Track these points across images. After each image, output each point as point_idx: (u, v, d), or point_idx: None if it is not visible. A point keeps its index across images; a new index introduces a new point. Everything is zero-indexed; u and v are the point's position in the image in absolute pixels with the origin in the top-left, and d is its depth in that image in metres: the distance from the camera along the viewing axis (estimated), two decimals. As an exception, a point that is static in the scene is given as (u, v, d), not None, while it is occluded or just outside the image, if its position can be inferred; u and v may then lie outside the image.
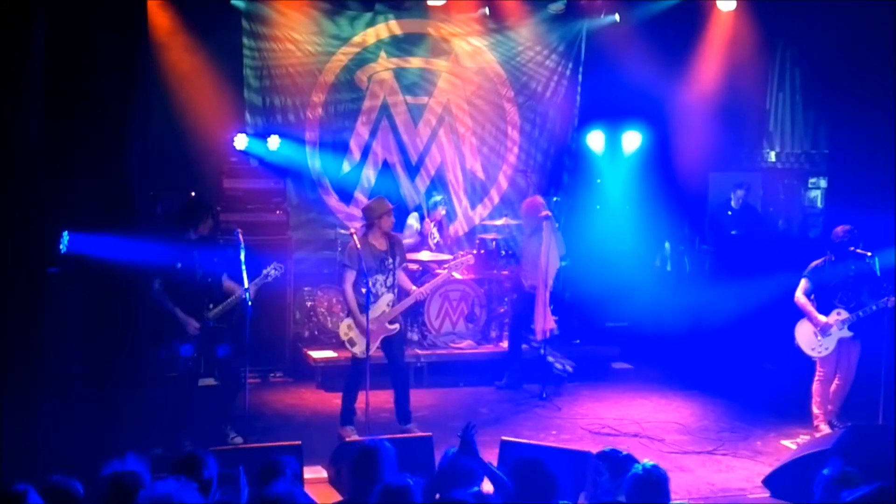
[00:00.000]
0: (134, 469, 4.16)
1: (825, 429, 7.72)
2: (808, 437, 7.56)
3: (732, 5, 10.38)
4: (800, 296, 7.79)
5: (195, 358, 7.23)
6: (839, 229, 7.82)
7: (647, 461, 4.51)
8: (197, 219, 7.28)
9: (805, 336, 7.80)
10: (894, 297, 7.49)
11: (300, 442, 6.02)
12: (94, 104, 7.31)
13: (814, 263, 7.85)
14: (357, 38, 10.56)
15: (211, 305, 7.14)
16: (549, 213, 8.96)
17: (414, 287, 7.75)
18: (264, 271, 7.27)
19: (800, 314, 7.79)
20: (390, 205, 7.68)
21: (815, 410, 7.85)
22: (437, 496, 4.47)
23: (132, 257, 7.18)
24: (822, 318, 7.70)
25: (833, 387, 7.83)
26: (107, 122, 7.41)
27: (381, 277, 7.49)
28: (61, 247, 7.03)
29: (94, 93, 7.29)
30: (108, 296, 7.41)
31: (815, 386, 7.87)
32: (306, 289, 9.92)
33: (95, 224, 7.13)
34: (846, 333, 7.73)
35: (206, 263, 7.16)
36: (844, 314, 7.69)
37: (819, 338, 7.74)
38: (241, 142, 9.87)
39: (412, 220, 10.12)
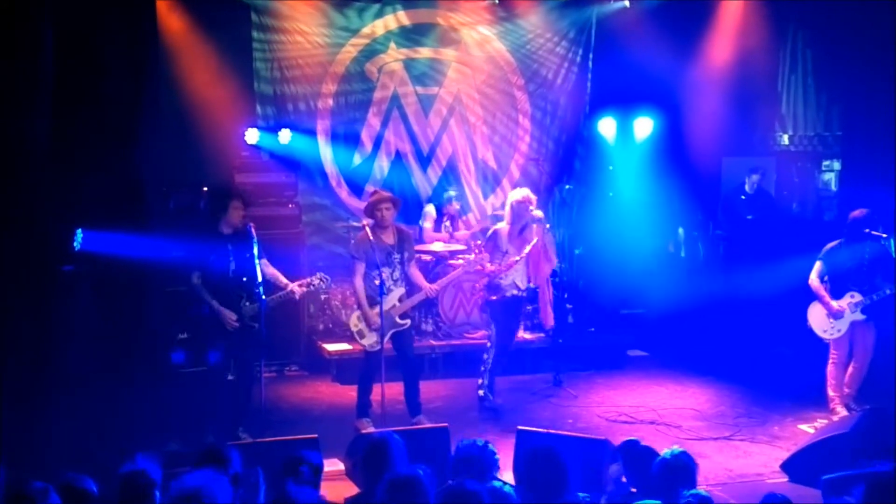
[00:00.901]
0: (144, 468, 4.17)
1: (841, 411, 7.70)
2: (825, 421, 7.52)
3: (743, -12, 10.32)
4: (814, 278, 7.75)
5: (223, 359, 7.19)
6: (856, 212, 7.77)
7: (675, 447, 4.51)
8: (223, 208, 7.10)
9: (817, 318, 7.78)
10: None
11: (317, 435, 6.04)
12: (104, 101, 7.35)
13: (828, 246, 7.81)
14: (366, 30, 10.56)
15: (247, 303, 7.07)
16: (542, 216, 8.15)
17: (426, 283, 7.72)
18: (309, 279, 7.29)
19: (813, 296, 7.75)
20: (385, 195, 7.62)
21: (831, 393, 7.83)
22: (451, 482, 4.47)
23: (145, 254, 7.20)
24: (834, 303, 7.67)
25: (849, 370, 7.81)
26: (117, 119, 7.44)
27: (387, 271, 7.47)
28: (75, 244, 7.06)
29: (104, 90, 7.32)
30: (122, 293, 7.46)
31: (830, 368, 7.86)
32: (320, 282, 9.92)
33: (108, 221, 7.17)
34: (859, 317, 7.70)
35: (239, 258, 7.06)
36: (858, 297, 7.66)
37: (831, 321, 7.71)
38: (252, 136, 9.87)
39: (430, 209, 10.13)
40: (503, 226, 8.01)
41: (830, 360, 7.84)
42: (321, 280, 7.30)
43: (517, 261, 7.95)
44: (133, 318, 7.73)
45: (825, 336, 7.77)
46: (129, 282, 7.59)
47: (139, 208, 7.77)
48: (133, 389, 7.32)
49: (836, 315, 7.69)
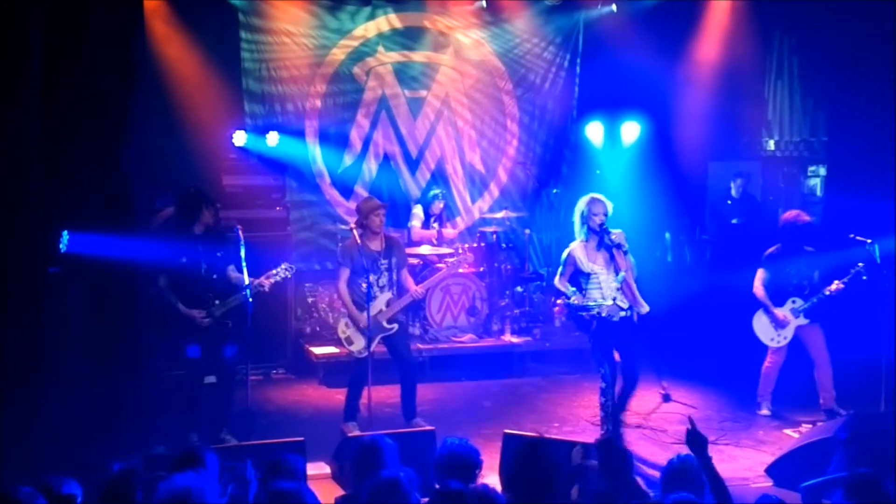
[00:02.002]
0: (126, 471, 4.17)
1: (765, 410, 7.99)
2: (810, 426, 7.56)
3: (730, -7, 10.38)
4: (758, 286, 7.89)
5: (201, 357, 7.19)
6: (787, 215, 7.93)
7: (682, 452, 4.53)
8: (198, 211, 7.16)
9: (763, 327, 7.93)
10: (845, 279, 7.63)
11: (303, 438, 6.04)
12: (92, 102, 7.31)
13: (768, 252, 7.92)
14: (357, 32, 10.57)
15: (217, 302, 7.09)
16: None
17: (413, 286, 7.73)
18: (275, 270, 7.21)
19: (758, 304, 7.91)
20: (379, 203, 7.64)
21: (760, 392, 8.07)
22: (437, 486, 4.48)
23: (132, 255, 7.18)
24: (778, 311, 7.83)
25: (817, 376, 7.92)
26: (105, 120, 7.41)
27: (373, 277, 7.47)
28: (61, 246, 7.03)
29: (92, 91, 7.29)
30: (109, 294, 7.43)
31: (764, 370, 8.03)
32: (307, 285, 9.92)
33: (95, 223, 7.14)
34: (803, 321, 7.84)
35: (210, 258, 7.11)
36: (799, 302, 7.80)
37: (777, 329, 7.86)
38: (239, 139, 9.86)
39: (417, 210, 10.14)
40: (575, 244, 7.13)
41: (767, 362, 8.02)
42: (286, 270, 7.25)
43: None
44: (120, 319, 7.70)
45: (772, 344, 7.90)
46: (115, 283, 7.56)
47: (126, 210, 7.74)
48: (120, 391, 7.29)
49: (780, 324, 7.81)
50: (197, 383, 7.26)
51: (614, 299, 7.02)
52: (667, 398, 7.82)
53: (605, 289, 7.02)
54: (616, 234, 7.00)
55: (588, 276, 7.03)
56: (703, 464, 4.43)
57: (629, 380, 7.19)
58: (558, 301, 7.25)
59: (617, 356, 7.15)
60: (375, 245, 7.53)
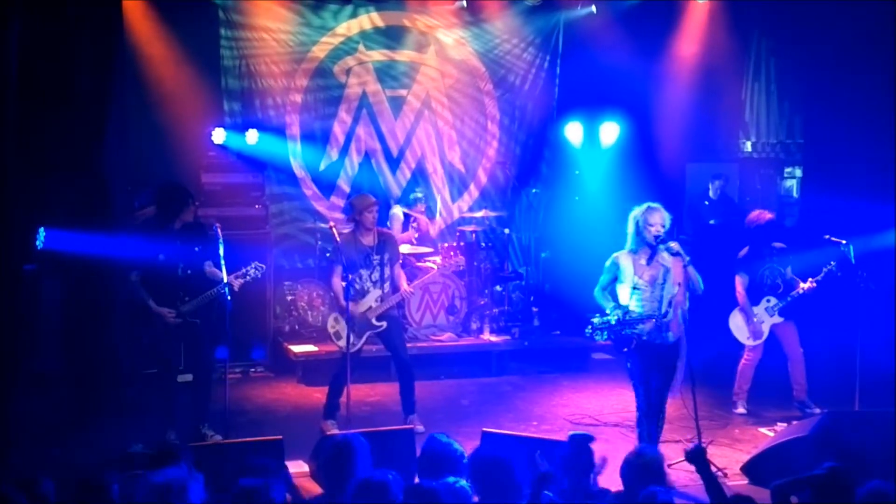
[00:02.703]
0: (100, 469, 4.16)
1: (742, 408, 8.05)
2: (785, 425, 7.63)
3: (708, -4, 10.46)
4: (741, 291, 8.00)
5: (175, 355, 7.16)
6: (750, 216, 8.04)
7: (640, 446, 4.58)
8: (178, 207, 7.11)
9: (738, 326, 8.04)
10: (818, 277, 7.75)
11: (281, 437, 6.03)
12: (70, 99, 7.29)
13: (740, 254, 8.01)
14: (340, 29, 10.57)
15: (186, 298, 7.07)
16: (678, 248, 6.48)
17: (404, 285, 7.73)
18: (244, 269, 7.16)
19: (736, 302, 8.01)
20: (373, 199, 7.66)
21: (737, 390, 8.15)
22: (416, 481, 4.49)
23: (109, 253, 7.14)
24: (754, 312, 7.94)
25: (791, 370, 8.05)
26: (82, 117, 7.39)
27: (365, 272, 7.49)
28: (38, 243, 6.99)
29: (70, 88, 7.26)
30: (86, 292, 7.39)
31: (741, 367, 8.11)
32: (286, 283, 9.90)
33: (72, 220, 7.11)
34: (777, 319, 7.95)
35: (187, 255, 7.07)
36: (774, 301, 7.93)
37: (752, 328, 7.96)
38: (219, 136, 9.82)
39: (396, 211, 10.14)
40: (622, 253, 6.51)
41: (743, 360, 8.11)
42: (256, 269, 7.20)
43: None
44: (96, 316, 7.67)
45: (748, 342, 8.00)
46: (93, 280, 7.53)
47: (103, 207, 7.71)
48: (96, 389, 7.26)
49: (756, 324, 7.95)
50: (172, 381, 7.23)
51: (656, 320, 6.32)
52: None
53: (647, 307, 6.34)
54: (672, 245, 6.36)
55: (631, 290, 6.37)
56: (704, 476, 4.51)
57: (655, 409, 6.55)
58: (594, 321, 6.38)
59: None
60: (368, 240, 7.54)
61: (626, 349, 6.40)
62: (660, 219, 6.35)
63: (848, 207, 8.38)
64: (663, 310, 6.31)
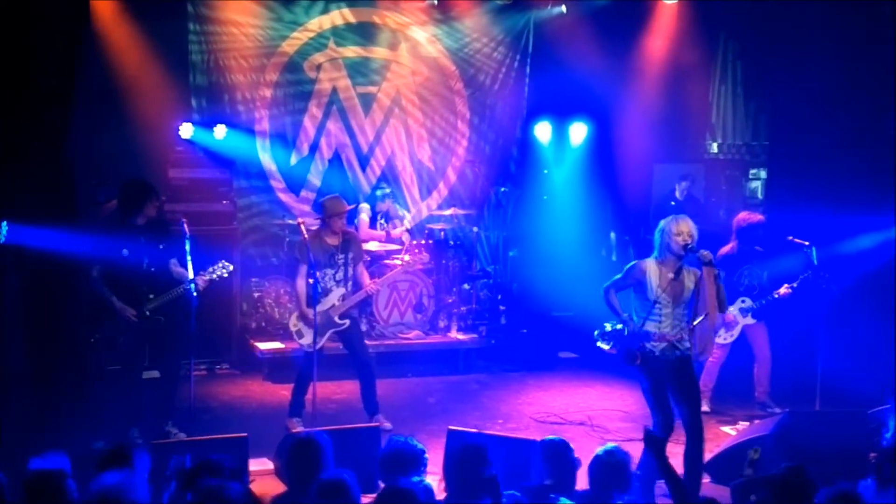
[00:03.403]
0: (56, 466, 4.12)
1: (706, 406, 8.00)
2: (747, 423, 7.72)
3: (676, -3, 10.54)
4: None
5: (139, 352, 7.10)
6: (741, 216, 8.12)
7: (609, 444, 4.61)
8: (141, 202, 7.04)
9: None
10: (794, 284, 7.82)
11: (246, 434, 6.01)
12: (34, 92, 7.19)
13: (722, 251, 8.08)
14: (311, 25, 10.52)
15: (151, 296, 7.01)
16: (710, 258, 5.98)
17: (367, 281, 7.73)
18: (211, 268, 7.12)
19: None
20: (346, 207, 7.64)
21: (701, 388, 8.07)
22: (381, 484, 4.50)
23: (73, 248, 7.07)
24: (728, 309, 7.95)
25: (756, 370, 8.16)
26: (47, 110, 7.29)
27: (329, 272, 7.49)
28: (0, 237, 6.90)
29: (34, 80, 7.16)
30: (49, 287, 7.31)
31: (707, 365, 8.13)
32: (253, 280, 9.86)
33: (35, 214, 7.01)
34: (750, 321, 8.04)
35: (151, 251, 7.02)
36: (749, 302, 8.00)
37: (725, 327, 8.03)
38: (186, 131, 9.74)
39: (364, 207, 10.12)
40: (650, 260, 6.05)
41: (710, 358, 8.13)
42: (223, 268, 7.17)
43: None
44: (59, 312, 7.58)
45: (719, 340, 8.06)
46: (56, 276, 7.44)
47: (67, 202, 7.62)
48: (59, 385, 7.18)
49: (729, 324, 8.00)
50: (136, 378, 7.17)
51: (673, 339, 5.95)
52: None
53: (664, 324, 5.94)
54: (703, 253, 5.92)
55: (652, 303, 5.90)
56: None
57: (691, 433, 6.06)
58: (606, 326, 6.03)
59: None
60: (333, 240, 7.53)
61: (634, 363, 5.94)
62: (688, 227, 5.92)
63: (812, 210, 8.48)
64: (678, 333, 5.91)
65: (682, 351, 5.94)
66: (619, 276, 6.13)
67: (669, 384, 5.96)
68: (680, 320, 5.94)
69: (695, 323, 5.87)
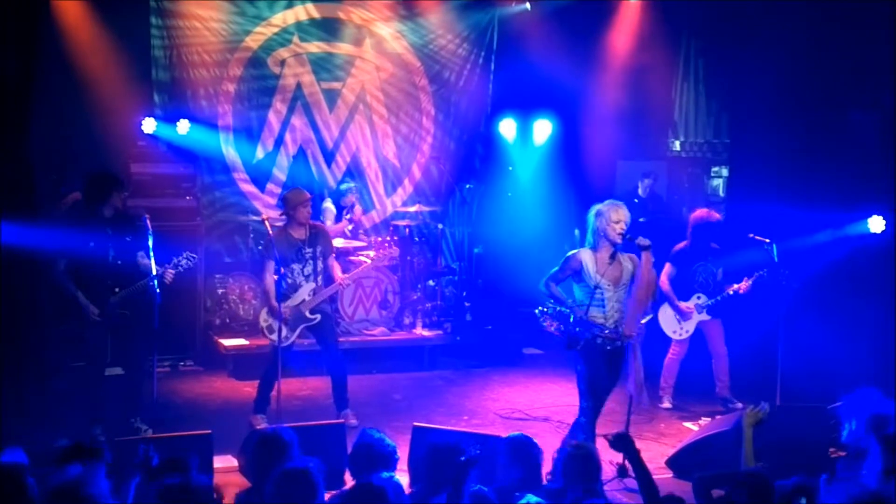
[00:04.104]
0: (14, 461, 4.09)
1: (667, 402, 8.25)
2: (709, 419, 7.82)
3: (639, -5, 10.62)
4: (664, 281, 8.16)
5: (103, 347, 7.03)
6: (697, 213, 8.23)
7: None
8: (107, 193, 6.96)
9: (667, 320, 8.24)
10: (749, 281, 7.96)
11: (210, 431, 5.98)
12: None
13: (677, 247, 8.20)
14: (275, 20, 10.43)
15: (117, 290, 6.93)
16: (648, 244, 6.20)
17: (339, 275, 7.70)
18: (175, 260, 7.04)
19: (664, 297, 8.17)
20: (307, 195, 7.62)
21: (663, 384, 8.34)
22: (349, 478, 4.50)
23: (34, 242, 6.98)
24: (682, 304, 8.11)
25: (714, 366, 8.28)
26: (5, 103, 7.19)
27: (297, 266, 7.45)
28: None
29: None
30: (9, 283, 7.21)
31: (667, 362, 8.31)
32: (217, 276, 9.78)
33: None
34: (705, 317, 8.18)
35: (118, 243, 6.93)
36: (704, 298, 8.12)
37: (680, 322, 8.16)
38: (149, 126, 9.63)
39: (328, 204, 10.09)
40: (584, 250, 6.27)
41: (670, 355, 8.33)
42: (187, 259, 7.10)
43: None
44: (22, 308, 7.49)
45: (675, 336, 8.22)
46: (16, 271, 7.34)
47: (27, 196, 7.52)
48: (21, 382, 7.09)
49: (684, 315, 8.10)
50: (99, 374, 7.10)
51: (616, 322, 6.13)
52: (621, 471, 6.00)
53: (608, 308, 6.11)
54: (641, 240, 6.13)
55: (592, 289, 6.08)
56: (633, 463, 4.58)
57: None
58: (545, 309, 6.12)
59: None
60: (299, 234, 7.49)
61: (575, 348, 6.12)
62: (625, 215, 6.16)
63: (772, 207, 8.60)
64: (617, 316, 6.10)
65: (621, 340, 6.11)
66: (555, 268, 6.26)
67: (604, 373, 6.16)
68: (622, 304, 6.11)
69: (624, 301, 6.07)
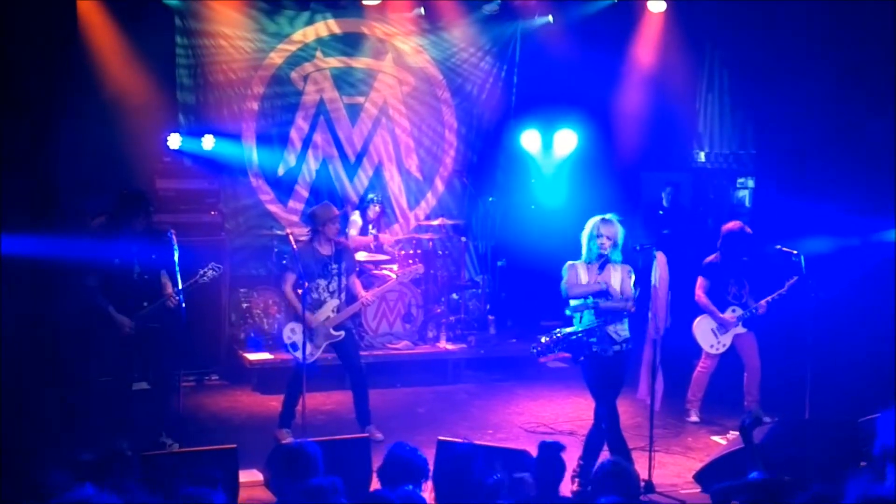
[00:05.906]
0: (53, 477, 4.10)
1: (695, 416, 8.17)
2: (737, 433, 7.71)
3: (662, 6, 10.57)
4: (700, 294, 8.09)
5: (130, 362, 7.06)
6: (729, 225, 8.17)
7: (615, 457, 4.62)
8: (138, 212, 7.03)
9: (704, 333, 8.14)
10: (782, 290, 7.89)
11: (235, 445, 5.97)
12: (20, 102, 7.16)
13: (707, 259, 8.12)
14: (296, 36, 10.52)
15: (145, 303, 6.97)
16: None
17: (362, 292, 7.71)
18: (201, 271, 7.09)
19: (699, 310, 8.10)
20: (336, 211, 7.67)
21: (690, 397, 8.26)
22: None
23: (59, 256, 7.03)
24: (723, 315, 8.04)
25: (746, 379, 8.17)
26: (33, 120, 7.27)
27: (323, 282, 7.46)
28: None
29: (20, 90, 7.14)
30: (33, 296, 7.26)
31: (696, 376, 8.23)
32: (242, 290, 9.82)
33: (20, 224, 6.99)
34: (741, 330, 8.09)
35: (144, 260, 6.98)
36: (739, 311, 8.03)
37: (718, 335, 8.07)
38: (174, 141, 9.72)
39: (355, 217, 10.11)
40: (578, 263, 6.60)
41: (699, 368, 8.22)
42: (213, 270, 7.13)
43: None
44: (45, 321, 7.54)
45: (711, 350, 8.11)
46: (41, 285, 7.40)
47: (53, 212, 7.59)
48: (44, 397, 7.13)
49: (724, 327, 8.02)
50: (126, 389, 7.12)
51: (615, 330, 6.44)
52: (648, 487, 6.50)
53: (601, 317, 6.44)
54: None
55: (584, 299, 6.48)
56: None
57: (608, 422, 6.58)
58: (537, 347, 6.51)
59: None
60: (326, 250, 7.51)
61: (581, 358, 6.48)
62: (609, 232, 6.43)
63: (799, 217, 8.52)
64: (615, 325, 6.43)
65: (619, 345, 6.45)
66: (563, 279, 6.59)
67: (609, 378, 6.50)
68: (618, 312, 6.43)
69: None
